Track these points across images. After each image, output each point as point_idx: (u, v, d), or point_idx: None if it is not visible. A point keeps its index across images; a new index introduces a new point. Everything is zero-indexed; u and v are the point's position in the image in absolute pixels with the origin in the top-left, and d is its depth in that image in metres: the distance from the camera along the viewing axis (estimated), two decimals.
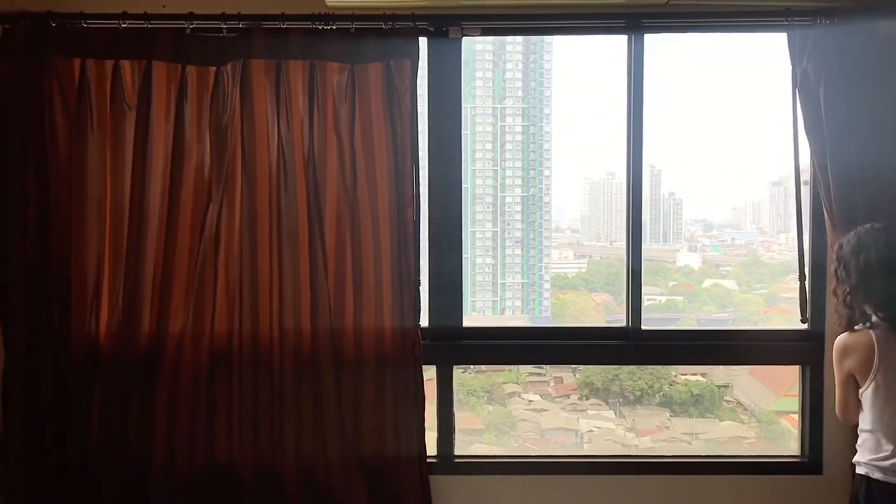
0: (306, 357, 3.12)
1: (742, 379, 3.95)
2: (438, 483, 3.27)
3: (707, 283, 4.12)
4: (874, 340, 2.56)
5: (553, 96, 3.94)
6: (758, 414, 3.61)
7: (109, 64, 3.06)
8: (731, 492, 3.30)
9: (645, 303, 3.78)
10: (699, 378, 3.99)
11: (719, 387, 3.97)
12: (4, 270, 3.07)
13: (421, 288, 3.18)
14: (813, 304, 3.24)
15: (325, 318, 3.10)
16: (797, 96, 3.08)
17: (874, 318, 2.60)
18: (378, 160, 3.10)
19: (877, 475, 2.58)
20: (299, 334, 3.12)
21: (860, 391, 2.61)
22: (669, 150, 3.80)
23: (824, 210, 3.08)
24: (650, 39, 3.25)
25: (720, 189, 3.83)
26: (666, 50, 3.47)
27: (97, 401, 3.10)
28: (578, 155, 3.90)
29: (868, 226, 2.69)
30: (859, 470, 2.66)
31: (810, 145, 3.08)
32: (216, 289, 3.10)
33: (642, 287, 3.35)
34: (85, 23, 3.05)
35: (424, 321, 3.27)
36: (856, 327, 2.63)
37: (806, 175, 3.19)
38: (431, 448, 3.30)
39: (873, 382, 2.56)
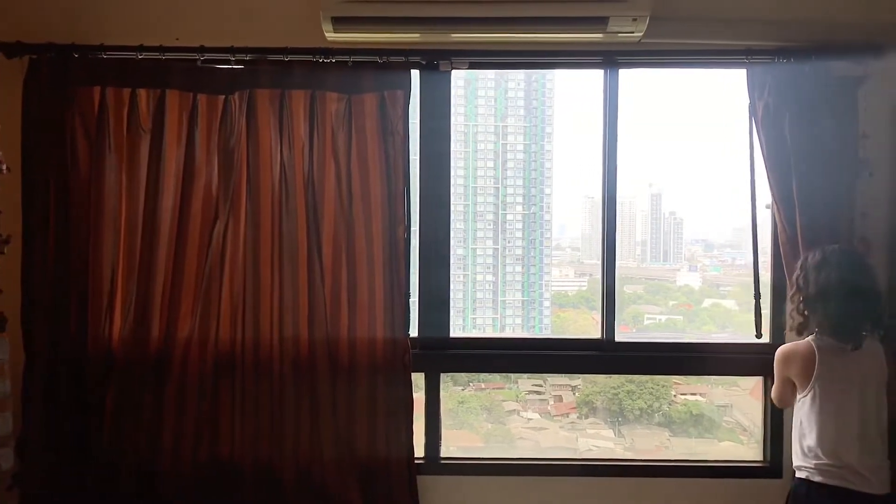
0: (304, 363, 3.26)
1: (742, 399, 3.93)
2: (425, 483, 3.39)
3: (707, 302, 4.12)
4: (815, 352, 2.75)
5: (555, 115, 3.99)
6: (757, 434, 3.58)
7: (127, 92, 3.22)
8: (697, 494, 3.45)
9: (645, 321, 3.86)
10: (699, 398, 4.00)
11: (719, 407, 3.97)
12: (27, 280, 3.21)
13: (411, 300, 3.33)
14: (773, 319, 3.42)
15: (321, 327, 3.26)
16: (756, 128, 3.25)
17: (823, 331, 2.78)
18: (372, 182, 3.26)
19: (817, 478, 2.74)
20: (297, 342, 3.26)
21: (799, 397, 2.81)
22: (670, 171, 3.85)
23: (784, 231, 3.23)
24: (625, 74, 3.44)
25: (721, 210, 3.84)
26: (665, 75, 3.59)
27: (111, 401, 3.23)
28: (580, 173, 3.89)
29: (835, 245, 2.88)
30: (800, 474, 2.82)
31: (770, 172, 3.23)
32: (221, 298, 3.25)
33: (641, 306, 3.39)
34: (105, 54, 3.21)
35: (414, 332, 3.41)
36: (805, 336, 2.80)
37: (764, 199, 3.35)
38: (420, 450, 3.43)
39: (811, 391, 2.75)
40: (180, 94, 3.24)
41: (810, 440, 2.78)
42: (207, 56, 3.23)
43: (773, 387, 2.96)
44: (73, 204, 3.23)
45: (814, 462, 2.77)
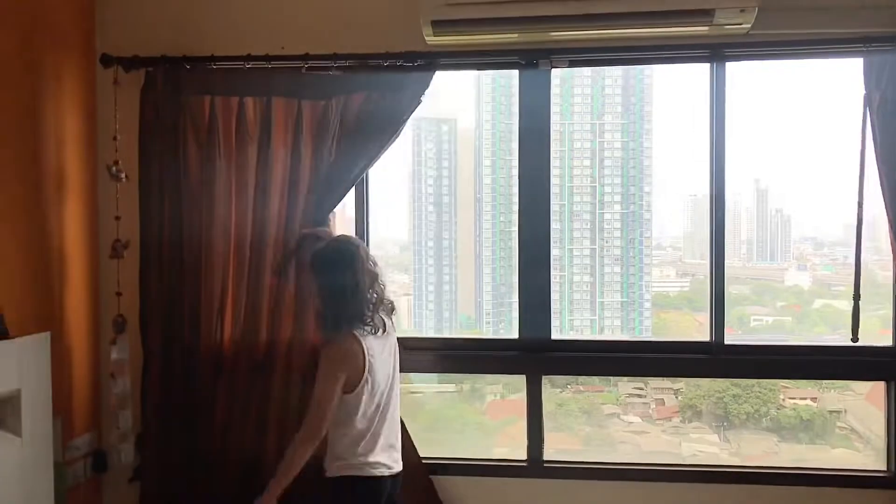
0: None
1: (857, 404, 3.80)
2: (528, 486, 3.40)
3: (817, 303, 4.00)
4: (363, 344, 2.67)
5: (654, 112, 3.91)
6: (874, 441, 3.47)
7: (235, 100, 3.30)
8: (811, 503, 3.31)
9: (751, 323, 3.77)
10: (809, 402, 3.87)
11: (831, 412, 3.84)
12: (144, 284, 3.34)
13: (511, 301, 3.35)
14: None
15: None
16: (871, 120, 3.09)
17: (353, 324, 2.71)
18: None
19: (380, 472, 2.75)
20: None
21: (351, 394, 2.67)
22: (776, 166, 3.72)
23: (892, 230, 3.10)
24: (733, 67, 3.32)
25: (831, 206, 3.73)
26: (772, 67, 3.47)
27: (220, 399, 3.33)
28: (681, 170, 3.82)
29: (333, 240, 2.87)
30: (351, 472, 2.74)
31: (882, 168, 3.09)
32: None
33: (747, 307, 3.37)
34: (214, 64, 3.31)
35: (515, 334, 3.43)
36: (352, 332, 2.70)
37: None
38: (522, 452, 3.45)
39: (368, 384, 2.67)
40: (285, 101, 3.30)
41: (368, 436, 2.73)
42: (311, 63, 3.27)
43: (324, 410, 2.69)
44: (185, 209, 3.33)
45: (375, 458, 2.75)
